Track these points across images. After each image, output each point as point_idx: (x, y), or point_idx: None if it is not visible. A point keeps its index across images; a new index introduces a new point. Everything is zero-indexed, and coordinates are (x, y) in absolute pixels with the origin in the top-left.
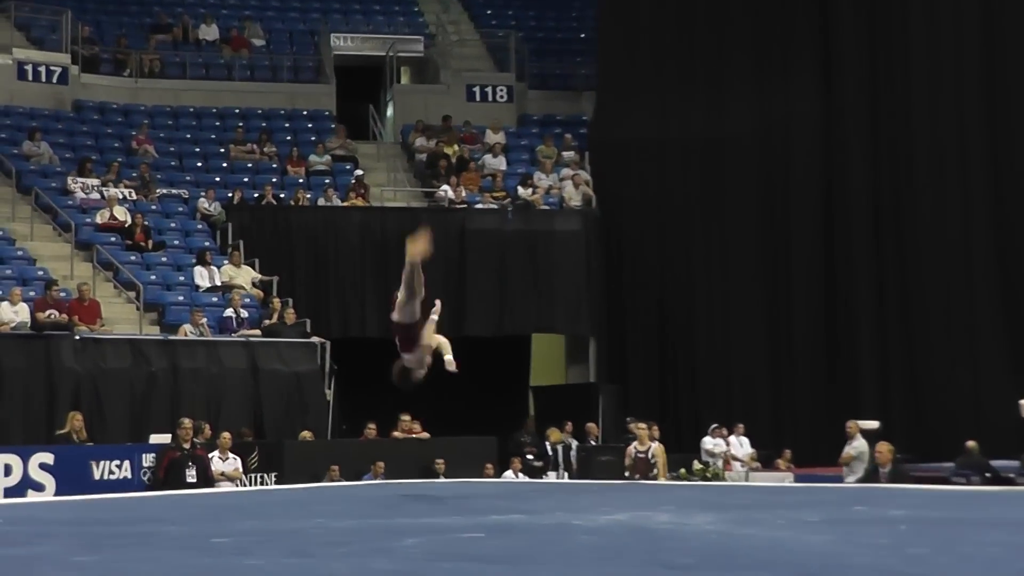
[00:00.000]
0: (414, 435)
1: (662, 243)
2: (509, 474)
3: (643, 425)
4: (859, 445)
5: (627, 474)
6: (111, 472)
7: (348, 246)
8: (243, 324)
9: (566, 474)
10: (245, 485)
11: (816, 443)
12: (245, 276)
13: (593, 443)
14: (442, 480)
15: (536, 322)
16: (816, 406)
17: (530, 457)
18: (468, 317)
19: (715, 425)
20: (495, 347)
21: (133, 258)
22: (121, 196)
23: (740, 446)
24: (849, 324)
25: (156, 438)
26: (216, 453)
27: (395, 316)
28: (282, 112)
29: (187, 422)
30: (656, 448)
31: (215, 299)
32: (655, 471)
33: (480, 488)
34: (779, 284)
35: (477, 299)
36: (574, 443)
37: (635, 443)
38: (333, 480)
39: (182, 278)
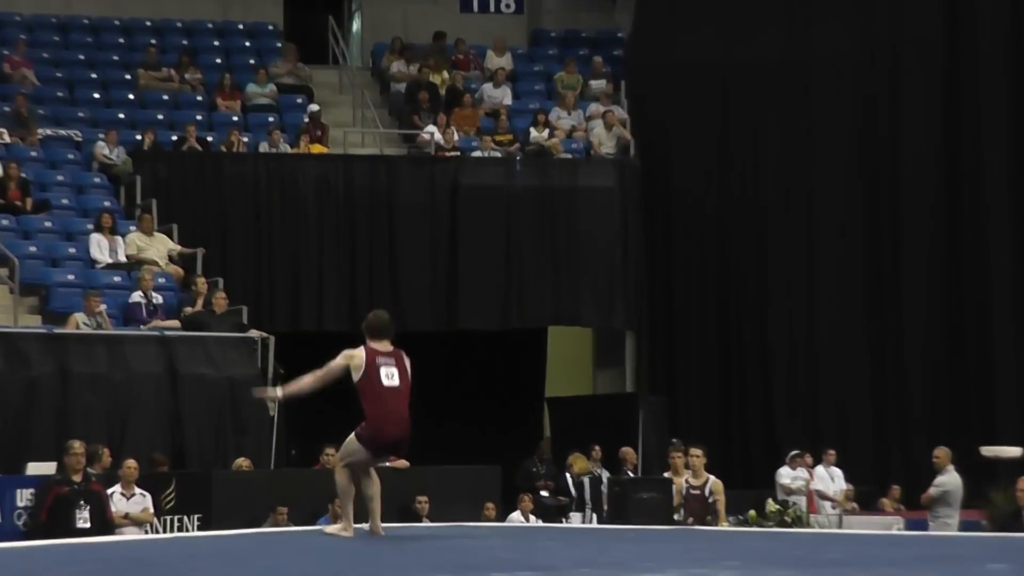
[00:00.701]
0: (389, 464)
1: (724, 205)
2: (517, 516)
3: (697, 451)
4: (946, 481)
5: (677, 517)
6: None
7: (300, 208)
8: (156, 313)
9: (594, 516)
10: (157, 531)
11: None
12: (159, 248)
13: (631, 474)
14: (426, 524)
15: (554, 312)
16: (934, 429)
17: (545, 494)
18: (463, 306)
19: (796, 452)
20: (499, 346)
21: (5, 223)
22: None
23: (831, 480)
24: (980, 324)
25: (36, 468)
26: (118, 488)
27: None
28: (210, 26)
29: (78, 446)
30: (715, 483)
31: (118, 279)
32: (716, 514)
33: (477, 535)
34: (885, 265)
35: (475, 281)
36: (605, 474)
37: (687, 475)
38: (279, 525)
39: (73, 250)
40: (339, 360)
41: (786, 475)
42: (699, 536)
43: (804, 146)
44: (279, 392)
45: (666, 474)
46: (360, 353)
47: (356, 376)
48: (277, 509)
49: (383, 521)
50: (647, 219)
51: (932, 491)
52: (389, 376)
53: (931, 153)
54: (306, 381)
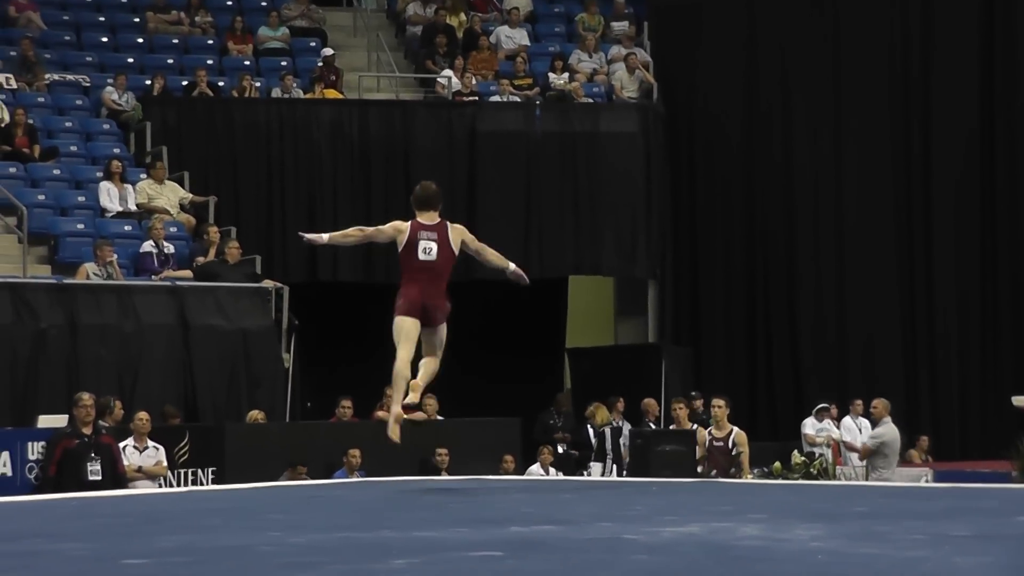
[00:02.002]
0: (406, 416)
1: (750, 149)
2: (536, 468)
3: (720, 402)
4: (883, 432)
5: (700, 469)
6: None
7: (314, 155)
8: (168, 263)
9: (615, 468)
10: (171, 485)
11: (965, 429)
12: (170, 196)
13: (653, 426)
14: (444, 477)
15: (575, 261)
16: (965, 380)
17: (563, 446)
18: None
19: (823, 404)
20: (518, 296)
21: (13, 170)
22: None
23: (858, 432)
24: (1013, 270)
25: (46, 421)
26: (130, 441)
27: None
28: None
29: (87, 398)
30: (739, 435)
31: (128, 228)
32: (740, 466)
33: (497, 488)
34: (916, 210)
35: (492, 229)
36: (627, 426)
37: (711, 427)
38: (295, 479)
39: (82, 199)
40: (388, 227)
41: (813, 427)
42: (722, 489)
43: (834, 88)
44: (325, 237)
45: (671, 427)
46: (406, 226)
47: (399, 248)
48: (297, 468)
49: (401, 474)
50: (671, 165)
51: (869, 443)
52: (426, 251)
53: (965, 89)
54: (352, 232)
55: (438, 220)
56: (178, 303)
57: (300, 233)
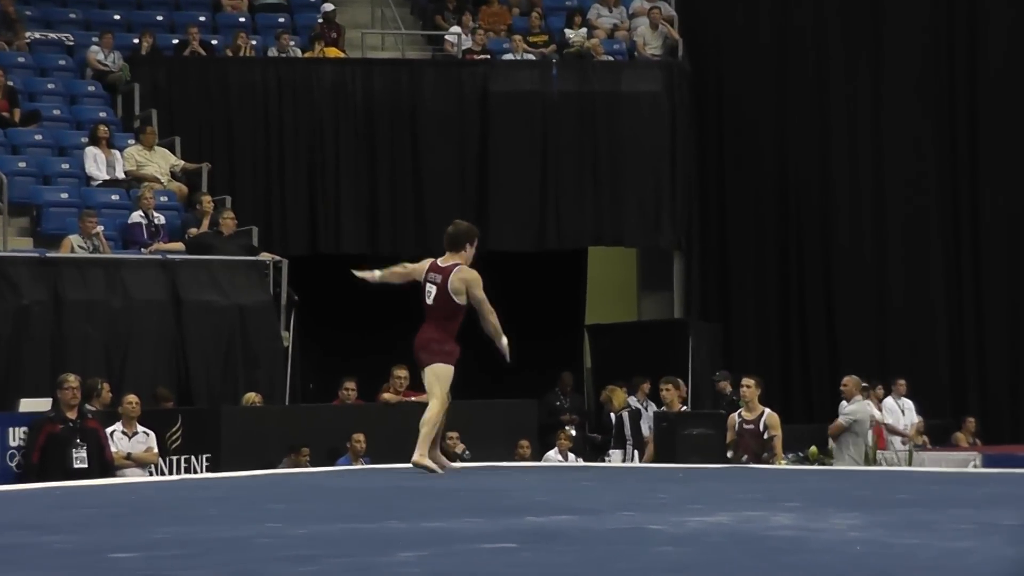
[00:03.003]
0: (413, 399)
1: (782, 111)
2: (553, 454)
3: (750, 382)
4: (855, 410)
5: (729, 454)
6: None
7: (314, 118)
8: (158, 234)
9: (635, 454)
10: (162, 473)
11: (1016, 410)
12: (160, 163)
13: (680, 408)
14: (455, 464)
15: (595, 231)
16: (1017, 357)
17: (570, 429)
18: (494, 225)
19: (863, 383)
20: (534, 269)
21: None
22: None
23: (901, 413)
24: None
25: (28, 404)
26: (118, 426)
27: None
28: None
29: (72, 379)
30: (770, 417)
31: (116, 197)
32: (772, 451)
33: (511, 475)
34: (960, 177)
35: (507, 198)
36: (651, 407)
37: (741, 409)
38: (300, 466)
39: (66, 166)
40: (419, 265)
41: (852, 408)
42: (754, 475)
43: (871, 44)
44: (377, 275)
45: (740, 409)
46: (425, 266)
47: None
48: (300, 450)
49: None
50: (697, 127)
51: (841, 420)
52: (428, 294)
53: (1008, 55)
54: (397, 271)
55: (451, 263)
56: (169, 278)
57: (352, 271)
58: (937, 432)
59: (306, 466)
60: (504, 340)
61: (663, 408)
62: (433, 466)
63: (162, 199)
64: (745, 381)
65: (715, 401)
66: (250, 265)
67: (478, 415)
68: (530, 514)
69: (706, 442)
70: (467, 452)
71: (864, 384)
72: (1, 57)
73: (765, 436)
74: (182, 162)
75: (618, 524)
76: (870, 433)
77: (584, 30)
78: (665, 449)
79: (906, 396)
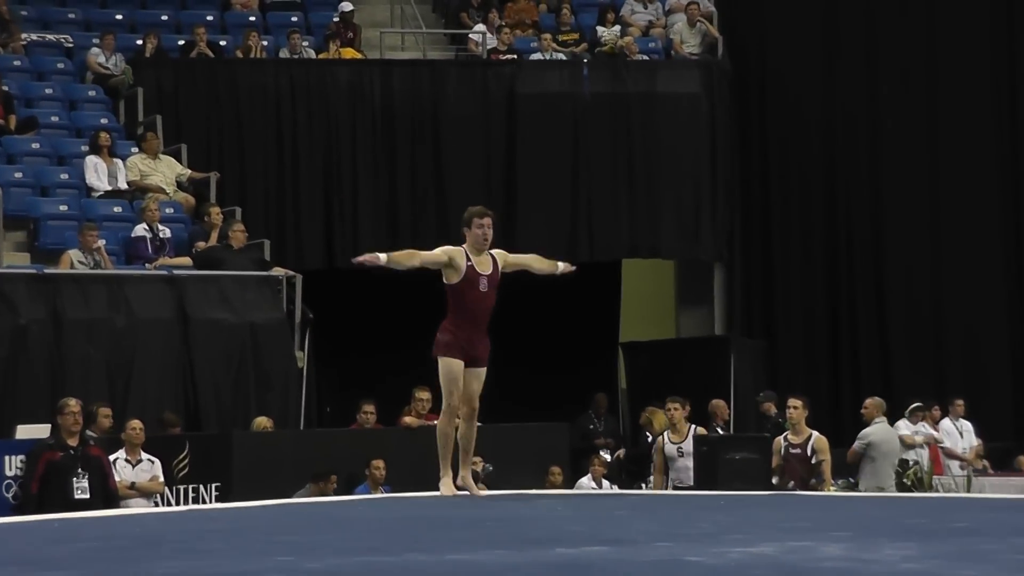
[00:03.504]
0: (436, 422)
1: (830, 113)
2: (586, 481)
3: (796, 403)
4: (870, 432)
5: (775, 480)
6: None
7: (330, 124)
8: (164, 249)
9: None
10: (169, 504)
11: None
12: (166, 172)
13: (721, 431)
14: (481, 492)
15: (630, 242)
16: None
17: (604, 454)
18: (521, 236)
19: (918, 404)
20: (565, 283)
21: None
22: None
23: (959, 435)
24: None
25: (26, 431)
26: (121, 453)
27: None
28: None
29: (74, 404)
30: (819, 440)
31: (118, 209)
32: (820, 476)
33: (541, 504)
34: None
35: (536, 207)
36: (693, 431)
37: (787, 432)
38: (322, 493)
39: (65, 176)
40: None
41: (907, 429)
42: (801, 503)
43: (927, 38)
44: (383, 258)
45: (786, 432)
46: (439, 256)
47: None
48: (328, 477)
49: (431, 489)
50: (739, 130)
51: (856, 445)
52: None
53: None
54: (417, 255)
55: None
56: (176, 294)
57: (354, 260)
58: (998, 455)
59: (332, 495)
60: (382, 256)
61: (785, 431)
62: (451, 493)
63: (168, 211)
64: (791, 402)
65: (759, 424)
66: (262, 280)
67: (506, 439)
68: (560, 545)
69: (750, 467)
70: (488, 467)
71: (917, 404)
72: None
73: (813, 461)
74: (189, 171)
75: (654, 556)
76: (926, 455)
77: (617, 28)
78: (706, 475)
79: (964, 417)
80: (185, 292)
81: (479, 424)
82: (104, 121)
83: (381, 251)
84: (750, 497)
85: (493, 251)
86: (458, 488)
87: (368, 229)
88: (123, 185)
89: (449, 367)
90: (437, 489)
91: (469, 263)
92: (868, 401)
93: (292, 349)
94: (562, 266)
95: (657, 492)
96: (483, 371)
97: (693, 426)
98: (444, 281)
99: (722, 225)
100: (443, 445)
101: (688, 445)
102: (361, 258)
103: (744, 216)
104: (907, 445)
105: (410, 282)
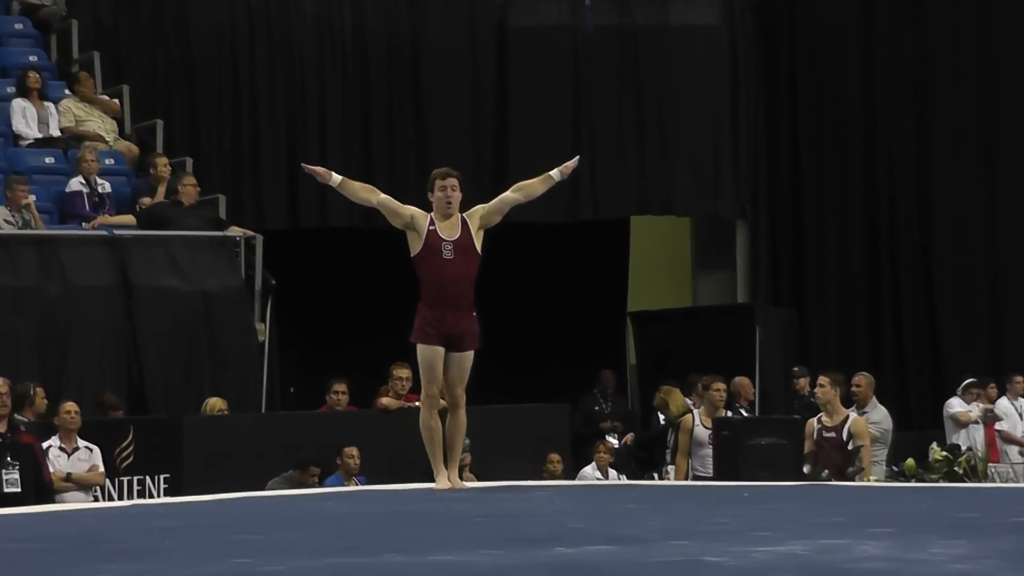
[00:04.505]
0: (417, 403)
1: (873, 48)
2: (590, 470)
3: (825, 380)
4: (883, 419)
5: (807, 469)
6: None
7: (293, 63)
8: (104, 206)
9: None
10: (110, 498)
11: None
12: (105, 118)
13: (744, 413)
14: (470, 484)
15: (639, 198)
16: None
17: (611, 439)
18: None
19: (971, 380)
20: (565, 244)
21: None
22: None
23: (1018, 417)
24: None
25: None
26: (55, 441)
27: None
28: None
29: (2, 384)
30: (856, 423)
31: (50, 160)
32: (857, 463)
33: (537, 497)
34: None
35: (530, 157)
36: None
37: (820, 414)
38: (304, 485)
39: None
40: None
41: (958, 409)
42: (836, 494)
43: None
44: (336, 178)
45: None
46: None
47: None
48: (308, 468)
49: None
50: (765, 68)
51: (874, 431)
52: None
53: None
54: (377, 193)
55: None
56: (117, 258)
57: (303, 165)
58: None
59: (310, 483)
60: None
61: (818, 412)
62: (443, 486)
63: (107, 162)
64: (821, 379)
65: (789, 404)
66: (216, 242)
67: (497, 423)
68: (560, 544)
69: (777, 454)
70: (467, 441)
71: (971, 380)
72: None
73: (850, 446)
74: (131, 117)
75: (667, 556)
76: (980, 439)
77: None
78: (727, 463)
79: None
80: (128, 256)
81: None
82: (33, 59)
83: (354, 212)
84: (778, 488)
85: (467, 212)
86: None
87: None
88: (55, 132)
89: (422, 354)
90: (415, 482)
91: (431, 227)
92: (859, 378)
93: (251, 320)
94: (557, 172)
95: (673, 483)
96: (466, 356)
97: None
98: (411, 255)
99: (745, 177)
100: (429, 439)
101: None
102: (312, 168)
103: (770, 166)
104: (960, 423)
105: (388, 244)
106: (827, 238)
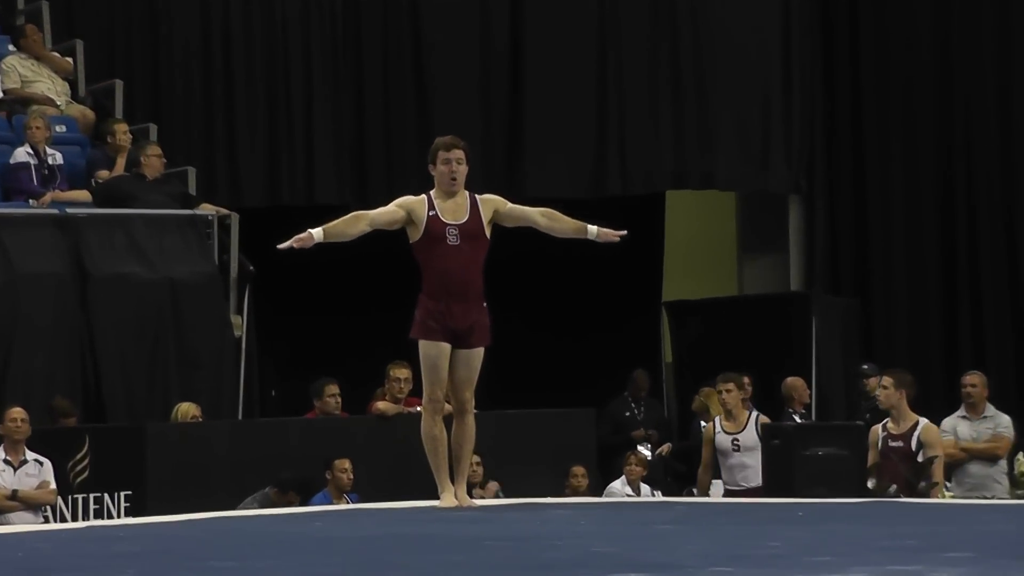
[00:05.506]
0: (419, 408)
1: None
2: (619, 486)
3: (889, 380)
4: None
5: (871, 484)
6: None
7: (275, 12)
8: (54, 180)
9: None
10: (63, 519)
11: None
12: (57, 79)
13: (800, 418)
14: (481, 502)
15: (675, 170)
16: None
17: (644, 449)
18: (531, 162)
19: None
20: (589, 223)
21: None
22: None
23: None
24: None
25: None
26: (0, 452)
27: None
28: None
29: None
30: (927, 430)
31: None
32: (930, 477)
33: (558, 516)
34: None
35: (549, 124)
36: (754, 418)
37: (886, 420)
38: (290, 504)
39: None
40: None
41: None
42: (904, 512)
43: None
44: (317, 234)
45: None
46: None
47: None
48: (289, 494)
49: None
50: (822, 19)
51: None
52: None
53: None
54: (362, 218)
55: None
56: (71, 241)
57: (279, 247)
58: None
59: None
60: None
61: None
62: (449, 504)
63: (58, 129)
64: (883, 380)
65: (853, 407)
66: (185, 222)
67: (513, 431)
68: (584, 571)
69: (837, 466)
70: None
71: None
72: None
73: (920, 457)
74: (85, 77)
75: None
76: None
77: None
78: (779, 476)
79: None
80: (83, 238)
81: (476, 412)
82: None
83: (345, 187)
84: (837, 506)
85: (483, 196)
86: None
87: (327, 153)
88: (0, 94)
89: (425, 352)
90: (417, 500)
91: (431, 212)
92: (973, 377)
93: (227, 313)
94: (596, 229)
95: (715, 500)
96: (475, 353)
97: (755, 412)
98: (409, 241)
99: (799, 145)
100: (432, 451)
101: (747, 437)
102: (287, 243)
103: (829, 133)
104: None
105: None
106: (894, 216)
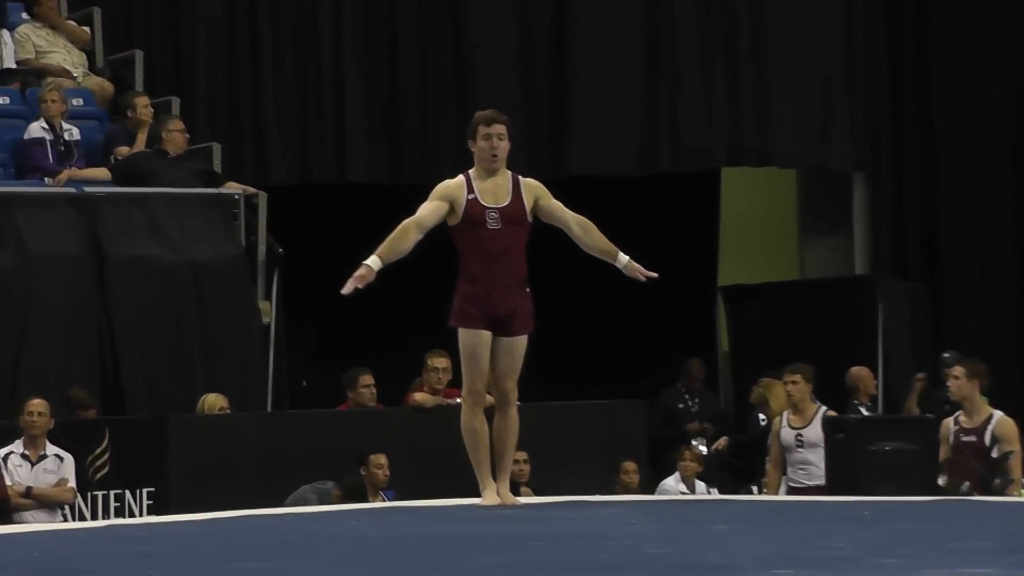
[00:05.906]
0: (459, 400)
1: None
2: (672, 483)
3: (960, 370)
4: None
5: (943, 480)
6: None
7: None
8: (71, 157)
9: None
10: (82, 517)
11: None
12: (72, 49)
13: (866, 411)
14: (524, 500)
15: (730, 146)
16: None
17: (699, 444)
18: (575, 139)
19: None
20: (639, 204)
21: None
22: None
23: None
24: None
25: None
26: (16, 447)
27: None
28: None
29: None
30: (1002, 423)
31: (5, 100)
32: (1006, 474)
33: (607, 515)
34: None
35: (594, 99)
36: (821, 413)
37: (958, 413)
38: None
39: None
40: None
41: None
42: (979, 512)
43: None
44: (375, 263)
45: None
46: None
47: None
48: (341, 480)
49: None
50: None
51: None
52: None
53: None
54: (411, 229)
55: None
56: (88, 221)
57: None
58: None
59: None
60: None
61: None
62: (491, 502)
63: (75, 102)
64: (956, 370)
65: (926, 399)
66: (209, 201)
67: (558, 424)
68: (635, 573)
69: (906, 462)
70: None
71: None
72: None
73: (994, 453)
74: (104, 47)
75: None
76: None
77: None
78: (843, 473)
79: None
80: (100, 218)
81: (519, 404)
82: None
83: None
84: (905, 505)
85: (527, 180)
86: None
87: (359, 128)
88: (11, 65)
89: (464, 340)
90: (457, 498)
91: (471, 196)
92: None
93: (254, 298)
94: (627, 259)
95: (774, 498)
96: (518, 341)
97: (823, 407)
98: (448, 224)
99: (864, 119)
100: (472, 445)
101: (812, 432)
102: (349, 286)
103: (896, 106)
104: None
105: (420, 203)
106: (965, 194)
